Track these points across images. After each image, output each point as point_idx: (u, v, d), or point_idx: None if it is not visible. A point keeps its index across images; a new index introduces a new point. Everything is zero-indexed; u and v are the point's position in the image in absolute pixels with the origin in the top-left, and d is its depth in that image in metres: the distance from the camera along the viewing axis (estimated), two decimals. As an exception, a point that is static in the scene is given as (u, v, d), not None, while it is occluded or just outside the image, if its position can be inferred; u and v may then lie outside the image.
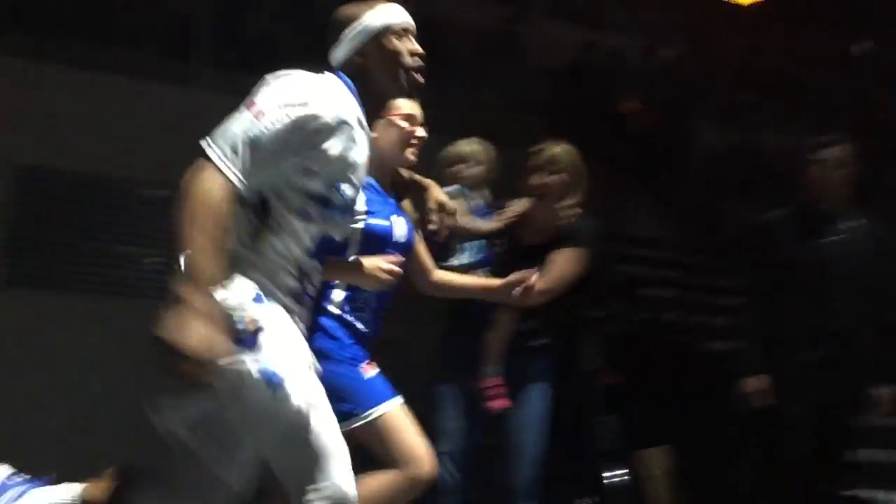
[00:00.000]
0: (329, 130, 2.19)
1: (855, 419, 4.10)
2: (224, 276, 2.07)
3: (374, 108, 2.41)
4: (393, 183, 3.11)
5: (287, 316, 2.24)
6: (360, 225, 2.88)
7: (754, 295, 4.14)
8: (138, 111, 5.99)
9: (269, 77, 2.21)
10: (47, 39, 6.22)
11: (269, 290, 2.20)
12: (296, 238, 2.24)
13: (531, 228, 3.81)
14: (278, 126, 2.12)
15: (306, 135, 2.16)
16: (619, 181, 8.42)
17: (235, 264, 2.15)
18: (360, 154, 2.31)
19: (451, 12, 8.30)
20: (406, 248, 3.01)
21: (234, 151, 2.08)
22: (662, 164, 8.81)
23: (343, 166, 2.25)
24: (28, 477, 2.44)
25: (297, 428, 2.17)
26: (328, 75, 2.34)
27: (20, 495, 2.38)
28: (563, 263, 3.68)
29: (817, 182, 4.08)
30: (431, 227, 3.05)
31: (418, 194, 3.15)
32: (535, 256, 3.59)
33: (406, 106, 3.01)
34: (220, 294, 2.03)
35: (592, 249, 3.78)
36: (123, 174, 6.13)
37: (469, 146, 4.03)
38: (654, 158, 8.75)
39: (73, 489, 2.37)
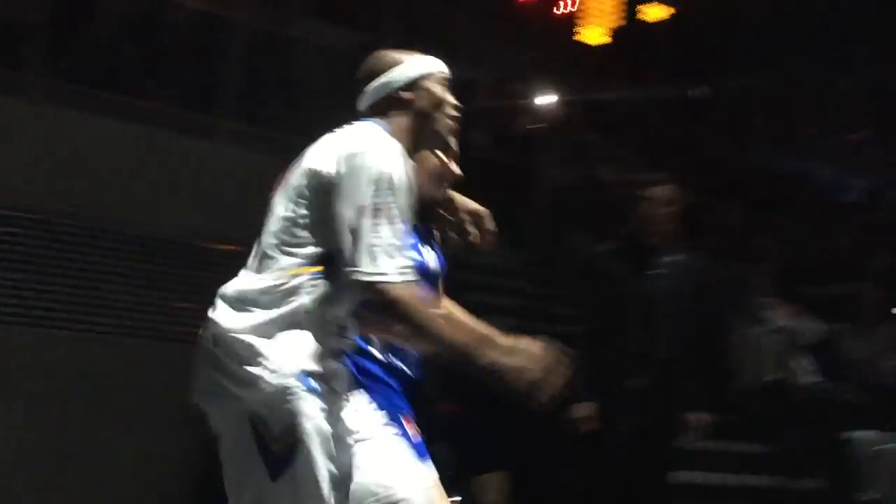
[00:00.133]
0: (408, 188, 2.26)
1: (673, 442, 4.32)
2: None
3: (413, 146, 2.44)
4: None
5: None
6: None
7: (586, 323, 4.34)
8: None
9: (344, 162, 2.21)
10: None
11: (326, 353, 2.22)
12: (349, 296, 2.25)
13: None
14: (395, 212, 2.19)
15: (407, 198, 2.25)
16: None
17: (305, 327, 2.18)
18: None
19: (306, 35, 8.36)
20: (442, 278, 2.79)
21: (390, 256, 2.15)
22: (508, 194, 9.05)
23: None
24: None
25: None
26: (367, 126, 2.35)
27: None
28: None
29: (645, 218, 4.32)
30: (471, 238, 2.81)
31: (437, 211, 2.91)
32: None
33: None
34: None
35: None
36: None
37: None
38: (499, 188, 8.99)
39: None
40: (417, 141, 2.44)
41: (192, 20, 7.41)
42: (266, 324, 2.16)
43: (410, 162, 2.37)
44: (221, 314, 2.20)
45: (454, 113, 2.48)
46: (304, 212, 2.23)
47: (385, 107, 2.40)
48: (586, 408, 4.18)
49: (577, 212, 9.19)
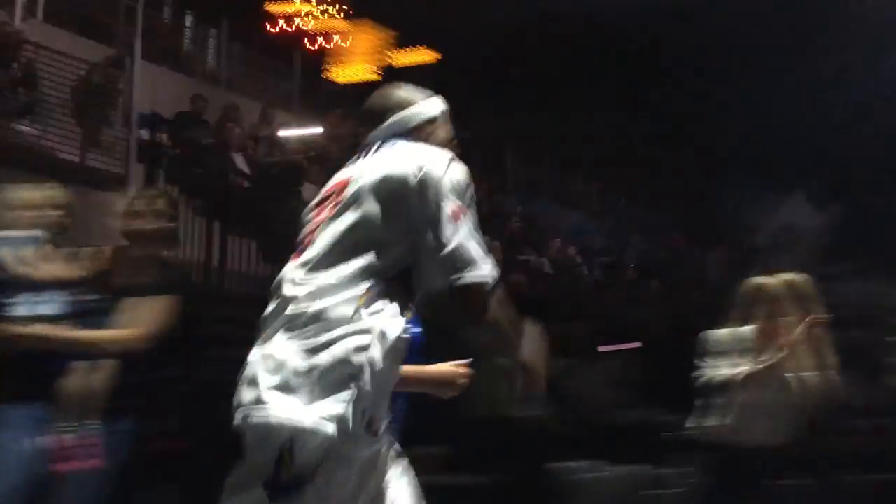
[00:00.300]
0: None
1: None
2: None
3: None
4: None
5: None
6: None
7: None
8: None
9: (419, 172, 2.38)
10: None
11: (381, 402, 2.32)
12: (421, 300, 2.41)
13: (121, 274, 3.78)
14: (475, 218, 2.40)
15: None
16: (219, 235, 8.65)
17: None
18: None
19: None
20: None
21: (487, 258, 2.37)
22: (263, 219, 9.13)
23: None
24: None
25: None
26: (421, 145, 2.53)
27: None
28: (157, 310, 3.68)
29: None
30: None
31: None
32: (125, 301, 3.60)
33: None
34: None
35: (186, 300, 3.81)
36: None
37: (46, 191, 3.91)
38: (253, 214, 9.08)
39: None
40: None
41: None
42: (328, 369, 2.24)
43: None
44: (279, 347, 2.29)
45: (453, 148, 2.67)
46: (375, 222, 2.36)
47: (416, 133, 2.60)
48: None
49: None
